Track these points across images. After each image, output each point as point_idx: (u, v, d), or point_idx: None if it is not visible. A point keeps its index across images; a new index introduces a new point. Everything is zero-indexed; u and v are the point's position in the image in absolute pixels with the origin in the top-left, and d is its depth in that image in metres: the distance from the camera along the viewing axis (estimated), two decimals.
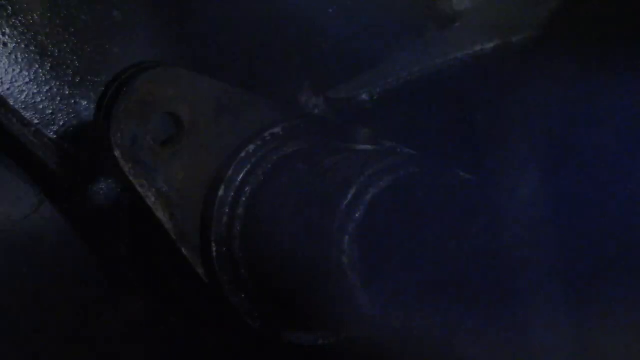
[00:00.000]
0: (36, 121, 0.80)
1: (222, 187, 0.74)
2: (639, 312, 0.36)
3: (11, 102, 0.79)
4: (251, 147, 0.75)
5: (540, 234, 0.39)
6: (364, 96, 0.86)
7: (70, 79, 0.81)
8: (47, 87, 0.81)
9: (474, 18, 0.92)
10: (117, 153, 0.71)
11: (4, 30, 0.79)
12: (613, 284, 0.37)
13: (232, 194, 0.74)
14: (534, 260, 0.39)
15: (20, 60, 0.80)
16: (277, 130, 0.76)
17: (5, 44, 0.79)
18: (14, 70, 0.80)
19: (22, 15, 0.80)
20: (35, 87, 0.80)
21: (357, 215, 0.65)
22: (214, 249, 0.74)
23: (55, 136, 0.80)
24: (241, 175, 0.75)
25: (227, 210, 0.74)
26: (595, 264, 0.38)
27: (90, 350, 0.86)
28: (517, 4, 0.93)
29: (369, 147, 0.72)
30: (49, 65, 0.81)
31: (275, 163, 0.75)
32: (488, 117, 0.41)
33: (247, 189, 0.74)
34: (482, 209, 0.56)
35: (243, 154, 0.75)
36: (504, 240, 0.39)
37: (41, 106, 0.80)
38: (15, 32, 0.80)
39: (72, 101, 0.82)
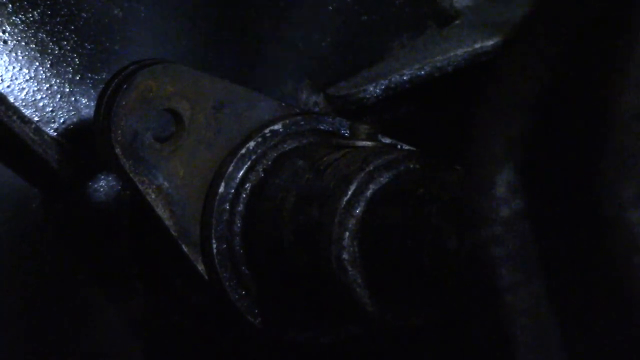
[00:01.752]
0: (36, 119, 0.80)
1: (222, 183, 0.74)
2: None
3: (11, 100, 0.79)
4: (251, 144, 0.75)
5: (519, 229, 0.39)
6: (364, 94, 0.86)
7: (70, 76, 0.81)
8: (47, 85, 0.81)
9: (474, 16, 0.93)
10: (117, 150, 0.71)
11: (4, 28, 0.79)
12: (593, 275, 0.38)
13: (232, 190, 0.74)
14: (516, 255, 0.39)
15: (20, 57, 0.80)
16: (277, 127, 0.76)
17: (5, 42, 0.79)
18: (14, 67, 0.80)
19: (22, 13, 0.80)
20: (36, 84, 0.80)
21: (357, 211, 0.65)
22: (214, 245, 0.74)
23: (55, 134, 0.81)
24: (241, 172, 0.75)
25: (227, 207, 0.74)
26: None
27: (90, 348, 0.86)
28: (517, 2, 0.93)
29: (368, 143, 0.72)
30: (49, 62, 0.81)
31: (276, 159, 0.75)
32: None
33: (247, 185, 0.74)
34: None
35: (243, 151, 0.75)
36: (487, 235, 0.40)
37: (41, 104, 0.81)
38: (16, 30, 0.80)
39: (72, 99, 0.82)
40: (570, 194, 0.38)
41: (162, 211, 0.73)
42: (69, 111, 0.81)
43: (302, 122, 0.77)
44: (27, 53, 0.80)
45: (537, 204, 0.40)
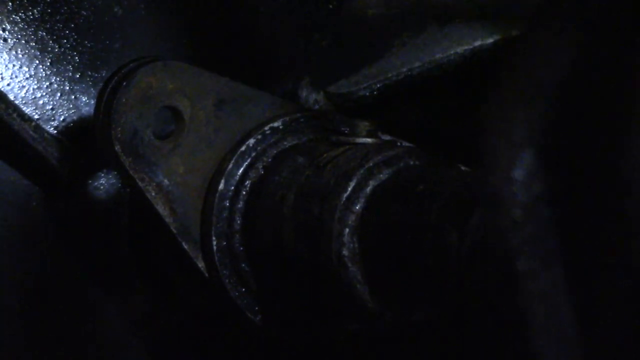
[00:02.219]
0: (36, 116, 0.80)
1: (222, 180, 0.74)
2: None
3: (11, 98, 0.79)
4: (251, 141, 0.75)
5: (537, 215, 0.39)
6: (364, 92, 0.86)
7: (70, 74, 0.81)
8: (47, 83, 0.81)
9: (475, 14, 0.92)
10: (117, 147, 0.71)
11: (4, 26, 0.79)
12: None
13: (232, 187, 0.74)
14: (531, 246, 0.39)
15: (20, 55, 0.80)
16: (277, 124, 0.76)
17: (5, 40, 0.79)
18: (14, 65, 0.80)
19: (22, 11, 0.80)
20: (36, 82, 0.80)
21: (357, 207, 0.65)
22: (214, 243, 0.73)
23: (55, 131, 0.81)
24: (241, 169, 0.75)
25: (227, 204, 0.74)
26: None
27: (91, 347, 0.86)
28: (518, 0, 0.93)
29: (368, 140, 0.72)
30: (49, 60, 0.81)
31: (275, 156, 0.75)
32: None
33: (247, 182, 0.74)
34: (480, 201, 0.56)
35: (243, 148, 0.75)
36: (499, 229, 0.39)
37: (41, 102, 0.80)
38: (16, 28, 0.80)
39: (72, 97, 0.82)
40: (594, 181, 0.38)
41: (162, 208, 0.73)
42: (69, 109, 0.81)
43: (302, 120, 0.77)
44: (27, 51, 0.80)
45: (557, 189, 0.39)
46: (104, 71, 0.82)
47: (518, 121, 0.40)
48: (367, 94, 0.86)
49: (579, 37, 0.39)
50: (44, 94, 0.81)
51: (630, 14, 0.37)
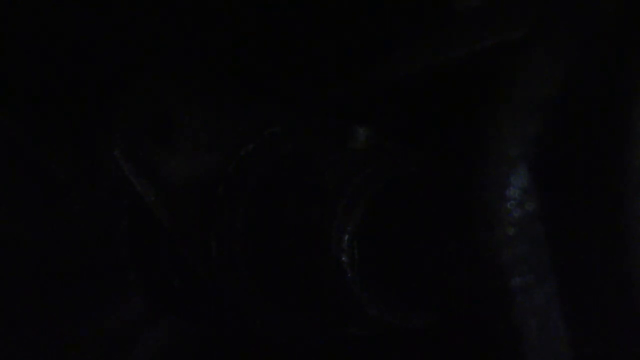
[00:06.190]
0: None
1: (222, 185, 0.74)
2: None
3: None
4: (250, 146, 0.75)
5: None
6: (364, 94, 0.86)
7: None
8: None
9: (475, 16, 0.92)
10: (116, 152, 0.71)
11: None
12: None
13: (232, 192, 0.74)
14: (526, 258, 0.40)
15: None
16: (276, 129, 0.76)
17: None
18: None
19: None
20: None
21: (356, 214, 0.65)
22: (214, 247, 0.74)
23: (54, 136, 0.81)
24: (240, 174, 0.75)
25: (226, 209, 0.74)
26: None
27: (89, 350, 0.86)
28: (519, 2, 0.93)
29: (368, 145, 0.72)
30: None
31: (275, 162, 0.75)
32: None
33: (246, 187, 0.74)
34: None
35: (242, 153, 0.75)
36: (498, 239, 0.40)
37: None
38: None
39: None
40: (586, 199, 0.38)
41: (161, 213, 0.74)
42: None
43: (301, 124, 0.77)
44: None
45: (551, 206, 0.40)
46: None
47: (512, 138, 0.40)
48: (365, 96, 0.86)
49: (574, 54, 0.39)
50: None
51: (623, 29, 0.38)
